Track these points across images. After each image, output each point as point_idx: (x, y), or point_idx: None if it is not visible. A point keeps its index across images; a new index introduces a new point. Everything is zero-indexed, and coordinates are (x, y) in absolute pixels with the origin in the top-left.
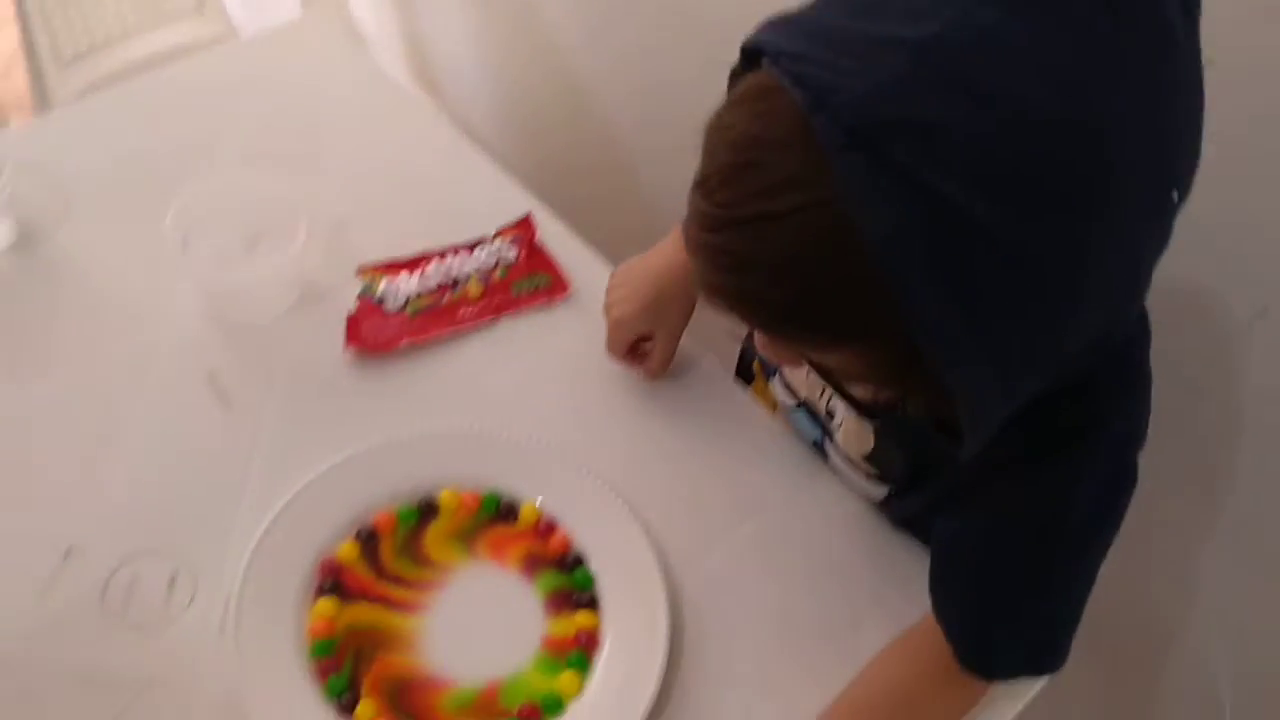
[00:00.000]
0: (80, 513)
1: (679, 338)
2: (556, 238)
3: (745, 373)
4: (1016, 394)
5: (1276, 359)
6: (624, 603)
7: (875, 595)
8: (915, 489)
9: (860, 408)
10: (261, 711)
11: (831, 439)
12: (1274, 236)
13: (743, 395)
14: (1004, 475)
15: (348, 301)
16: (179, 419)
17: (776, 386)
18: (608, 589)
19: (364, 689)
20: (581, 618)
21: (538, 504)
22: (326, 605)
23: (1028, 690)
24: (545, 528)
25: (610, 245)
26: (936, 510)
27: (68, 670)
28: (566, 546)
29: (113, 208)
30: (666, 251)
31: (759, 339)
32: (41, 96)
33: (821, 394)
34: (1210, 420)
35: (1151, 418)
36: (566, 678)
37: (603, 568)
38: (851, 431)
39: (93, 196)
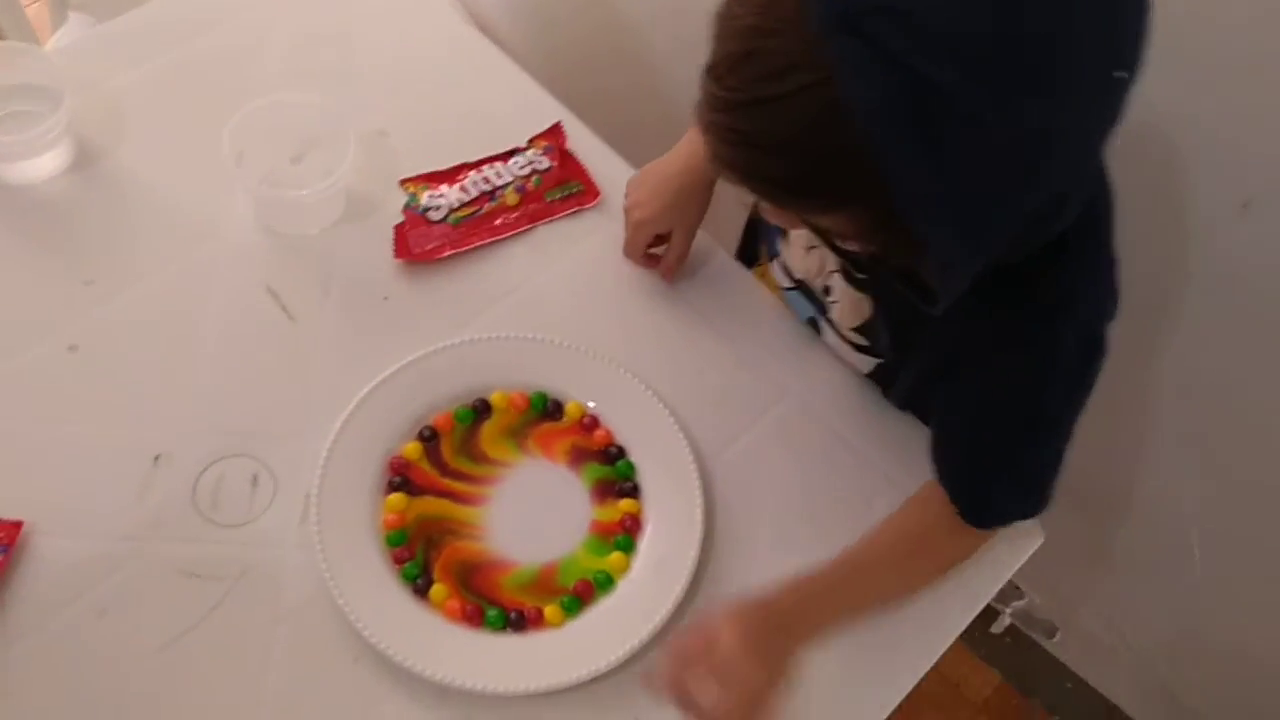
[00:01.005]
0: (164, 421)
1: (694, 235)
2: (585, 144)
3: (745, 256)
4: (981, 248)
5: (1258, 248)
6: (663, 490)
7: (883, 470)
8: (903, 363)
9: (853, 279)
10: (348, 597)
11: (826, 315)
12: (1257, 133)
13: (756, 287)
14: (987, 352)
15: (391, 212)
16: (247, 329)
17: (775, 269)
18: (648, 478)
19: (436, 573)
20: (625, 504)
21: (581, 401)
22: (397, 499)
23: (1028, 547)
24: (589, 423)
25: (625, 138)
26: (930, 389)
27: (168, 565)
28: (609, 440)
29: (161, 124)
30: (683, 153)
31: (766, 206)
32: None
33: (819, 274)
34: (1197, 303)
35: (1139, 298)
36: (615, 558)
37: (642, 458)
38: (848, 305)
39: (141, 113)
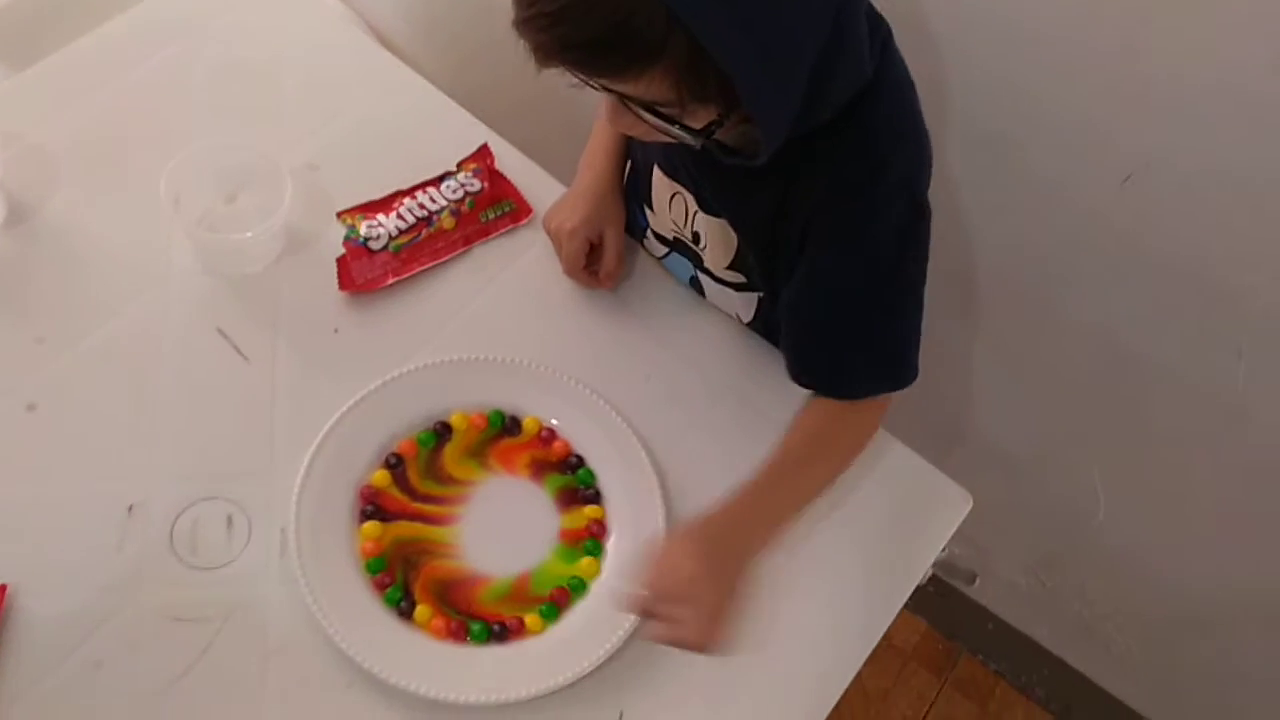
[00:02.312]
0: (132, 471)
1: (623, 232)
2: (511, 162)
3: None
4: (780, 73)
5: (1140, 216)
6: (624, 492)
7: None
8: (771, 286)
9: (707, 205)
10: (337, 626)
11: (701, 266)
12: (1133, 114)
13: (685, 291)
14: (824, 233)
15: (330, 244)
16: (203, 372)
17: (650, 242)
18: (608, 483)
19: (416, 594)
20: (590, 510)
21: (537, 415)
22: (371, 528)
23: (962, 511)
24: (547, 436)
25: (542, 144)
26: None
27: (156, 612)
28: (568, 451)
29: (91, 171)
30: (585, 169)
31: (607, 111)
32: None
33: (686, 222)
34: (1089, 270)
35: (1039, 267)
36: (585, 563)
37: (601, 465)
38: (717, 243)
39: (69, 161)
